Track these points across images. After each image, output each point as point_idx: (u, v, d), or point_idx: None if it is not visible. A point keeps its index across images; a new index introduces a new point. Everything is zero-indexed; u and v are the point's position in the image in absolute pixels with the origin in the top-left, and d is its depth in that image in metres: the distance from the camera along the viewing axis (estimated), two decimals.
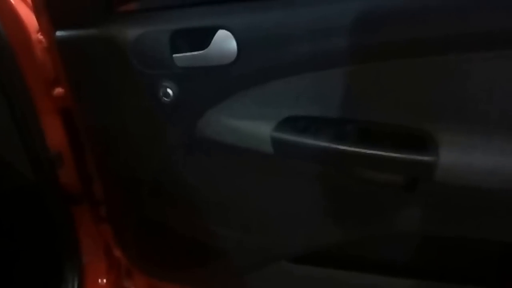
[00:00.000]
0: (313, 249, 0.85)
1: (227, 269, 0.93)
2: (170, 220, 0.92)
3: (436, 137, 0.66)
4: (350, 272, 0.85)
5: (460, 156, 0.66)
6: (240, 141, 0.75)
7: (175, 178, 0.85)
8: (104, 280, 1.10)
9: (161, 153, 0.82)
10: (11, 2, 0.85)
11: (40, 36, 0.86)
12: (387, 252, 0.85)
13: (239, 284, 0.94)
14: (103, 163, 0.90)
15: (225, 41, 0.68)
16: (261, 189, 0.81)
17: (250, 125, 0.74)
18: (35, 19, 0.84)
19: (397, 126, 0.69)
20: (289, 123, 0.73)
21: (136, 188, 0.89)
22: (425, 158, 0.67)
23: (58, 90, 0.91)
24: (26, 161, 0.93)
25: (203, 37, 0.69)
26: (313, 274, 0.88)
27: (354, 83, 0.68)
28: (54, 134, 0.94)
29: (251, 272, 0.91)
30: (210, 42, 0.69)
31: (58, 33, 0.76)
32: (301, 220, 0.82)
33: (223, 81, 0.72)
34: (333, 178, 0.76)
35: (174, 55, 0.71)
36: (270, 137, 0.73)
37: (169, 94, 0.74)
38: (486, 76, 0.63)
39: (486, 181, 0.66)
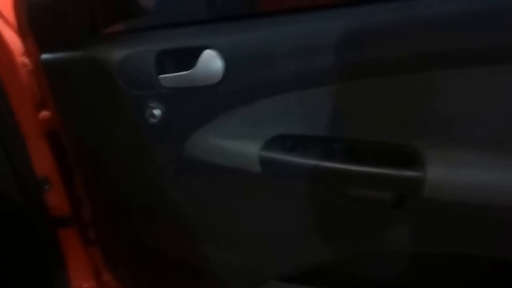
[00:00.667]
0: (303, 268, 0.84)
1: None
2: (160, 242, 0.91)
3: (423, 154, 0.66)
4: None
5: (447, 172, 0.66)
6: (228, 161, 0.75)
7: (164, 200, 0.84)
8: None
9: (149, 174, 0.81)
10: None
11: (25, 59, 0.86)
12: (378, 270, 0.84)
13: None
14: (91, 185, 0.89)
15: (211, 61, 0.68)
16: (250, 209, 0.81)
17: (238, 144, 0.74)
18: (19, 42, 0.84)
19: (384, 143, 0.69)
20: (277, 142, 0.73)
21: (125, 210, 0.88)
22: (413, 174, 0.66)
23: (44, 113, 0.91)
24: (13, 185, 0.93)
25: (189, 58, 0.69)
26: None
27: (340, 101, 0.68)
28: (41, 157, 0.93)
29: None
30: (196, 62, 0.69)
31: (44, 56, 0.76)
32: (291, 239, 0.82)
33: (210, 101, 0.72)
34: (321, 196, 0.75)
35: (160, 76, 0.71)
36: (258, 156, 0.72)
37: (156, 114, 0.73)
38: (472, 92, 0.63)
39: (474, 197, 0.66)
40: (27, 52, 0.85)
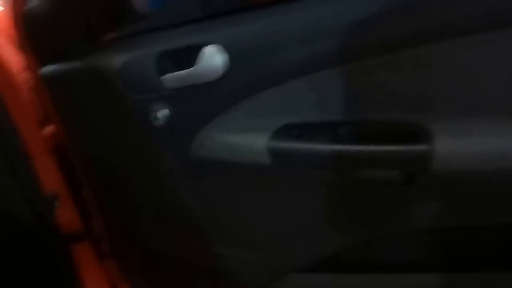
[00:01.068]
0: (321, 257, 0.84)
1: None
2: (175, 248, 0.90)
3: (428, 128, 0.67)
4: (362, 275, 0.84)
5: (454, 143, 0.66)
6: (237, 156, 0.75)
7: (176, 203, 0.84)
8: None
9: (159, 179, 0.81)
10: None
11: (25, 76, 0.86)
12: (397, 250, 0.84)
13: None
14: (102, 196, 0.89)
15: (211, 57, 0.68)
16: (263, 203, 0.80)
17: (245, 138, 0.74)
18: (19, 58, 0.84)
19: (389, 123, 0.69)
20: (284, 132, 0.73)
21: (138, 218, 0.88)
22: (420, 148, 0.67)
23: (48, 129, 0.91)
24: (23, 205, 0.92)
25: (190, 56, 0.69)
26: (324, 282, 0.87)
27: (342, 84, 0.68)
28: (49, 174, 0.93)
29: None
30: (197, 60, 0.69)
31: (44, 69, 0.76)
32: (307, 229, 0.82)
33: (214, 97, 0.72)
34: (333, 182, 0.75)
35: (162, 77, 0.71)
36: (266, 148, 0.73)
37: (161, 117, 0.73)
38: (471, 61, 0.63)
39: (484, 164, 0.66)
40: (27, 68, 0.85)
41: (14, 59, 0.85)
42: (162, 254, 0.91)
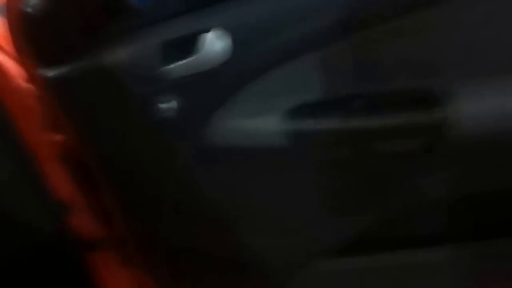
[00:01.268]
0: (348, 238, 0.82)
1: (267, 282, 0.90)
2: (199, 243, 0.88)
3: (441, 92, 0.66)
4: (391, 252, 0.82)
5: (470, 105, 0.66)
6: (251, 140, 0.74)
7: (194, 195, 0.82)
8: None
9: (175, 172, 0.79)
10: None
11: (29, 86, 0.85)
12: (424, 224, 0.82)
13: None
14: (120, 197, 0.87)
15: (215, 42, 0.67)
16: (283, 188, 0.79)
17: (258, 122, 0.72)
18: (20, 70, 0.83)
19: (403, 91, 0.68)
20: (297, 111, 0.71)
21: (159, 216, 0.86)
22: (436, 113, 0.66)
23: (57, 137, 0.90)
24: (37, 214, 0.91)
25: (193, 44, 0.68)
26: (352, 264, 0.85)
27: (350, 57, 0.68)
28: (61, 181, 0.91)
29: (292, 278, 0.88)
30: (200, 46, 0.68)
31: (47, 74, 0.75)
32: (330, 210, 0.80)
33: (222, 83, 0.71)
34: (351, 159, 0.74)
35: (167, 67, 0.70)
36: (280, 129, 0.71)
37: (169, 108, 0.72)
38: (479, 19, 0.62)
39: (501, 125, 0.65)
40: (29, 74, 0.84)
41: (17, 68, 0.84)
42: (187, 250, 0.89)
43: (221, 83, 0.71)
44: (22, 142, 0.86)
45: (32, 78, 0.83)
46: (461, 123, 0.66)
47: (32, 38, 0.75)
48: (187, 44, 0.69)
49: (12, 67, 0.84)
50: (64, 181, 0.92)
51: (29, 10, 0.73)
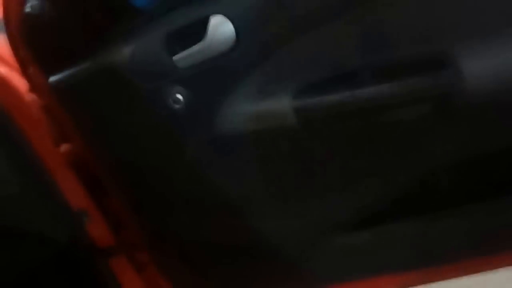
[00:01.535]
0: (363, 211, 0.81)
1: (288, 265, 0.89)
2: (213, 234, 0.88)
3: (449, 53, 0.66)
4: (405, 220, 0.81)
5: (479, 64, 0.66)
6: (262, 123, 0.74)
7: (207, 186, 0.82)
8: None
9: (186, 164, 0.79)
10: None
11: (33, 96, 0.85)
12: (437, 188, 0.82)
13: (301, 274, 0.90)
14: (132, 197, 0.87)
15: (220, 27, 0.67)
16: (294, 167, 0.79)
17: (267, 104, 0.72)
18: (23, 81, 0.84)
19: (411, 56, 0.69)
20: (306, 89, 0.72)
21: (172, 212, 0.86)
22: (446, 74, 0.67)
23: (65, 146, 0.90)
24: (51, 224, 0.91)
25: (197, 31, 0.68)
26: (368, 239, 0.84)
27: (355, 29, 0.68)
28: (73, 189, 0.91)
29: (308, 258, 0.88)
30: (205, 33, 0.68)
31: (51, 79, 0.75)
32: (342, 183, 0.80)
33: (230, 68, 0.71)
34: (363, 129, 0.74)
35: (173, 58, 0.69)
36: (291, 108, 0.71)
37: (179, 99, 0.72)
38: None
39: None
40: (34, 87, 0.84)
41: (21, 80, 0.84)
42: (201, 244, 0.89)
43: (228, 69, 0.71)
44: (31, 154, 0.86)
45: (36, 87, 0.83)
46: (469, 82, 0.66)
47: (33, 43, 0.75)
48: (192, 32, 0.69)
49: (16, 79, 0.84)
50: (76, 189, 0.92)
51: (28, 14, 0.73)
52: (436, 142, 0.74)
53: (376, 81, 0.72)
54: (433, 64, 0.68)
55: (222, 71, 0.71)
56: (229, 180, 0.81)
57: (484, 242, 0.80)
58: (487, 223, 0.80)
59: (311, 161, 0.78)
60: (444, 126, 0.73)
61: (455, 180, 0.80)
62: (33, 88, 0.84)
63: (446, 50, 0.67)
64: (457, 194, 0.80)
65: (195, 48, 0.69)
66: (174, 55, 0.70)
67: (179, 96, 0.72)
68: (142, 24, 0.72)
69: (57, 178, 0.90)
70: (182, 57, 0.70)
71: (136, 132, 0.79)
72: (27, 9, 0.73)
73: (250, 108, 0.73)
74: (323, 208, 0.83)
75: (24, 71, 0.82)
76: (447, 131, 0.73)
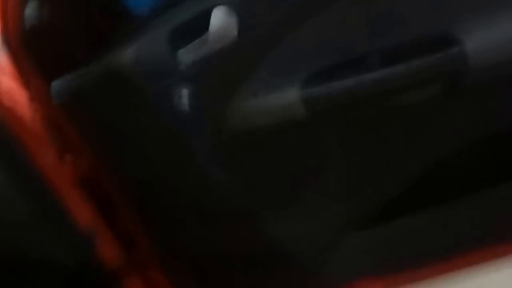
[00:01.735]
0: (378, 206, 0.78)
1: (305, 270, 0.85)
2: (226, 245, 0.84)
3: (455, 30, 0.65)
4: (420, 211, 0.78)
5: (487, 36, 0.65)
6: (271, 117, 0.71)
7: (218, 192, 0.79)
8: None
9: (197, 169, 0.77)
10: None
11: (34, 107, 0.83)
12: (455, 175, 0.79)
13: (319, 278, 0.86)
14: (142, 212, 0.84)
15: (221, 18, 0.66)
16: (308, 165, 0.76)
17: (275, 97, 0.70)
18: (23, 92, 0.81)
19: (417, 37, 0.68)
20: (313, 78, 0.70)
21: (184, 224, 0.83)
22: (454, 50, 0.65)
23: (69, 159, 0.87)
24: (60, 247, 0.87)
25: (201, 24, 0.67)
26: (384, 234, 0.81)
27: (357, 13, 0.67)
28: (80, 208, 0.88)
29: (326, 261, 0.84)
30: (208, 26, 0.66)
31: (55, 87, 0.74)
32: (356, 176, 0.77)
33: (234, 63, 0.69)
34: (374, 116, 0.72)
35: (177, 55, 0.68)
36: (299, 99, 0.69)
37: (186, 98, 0.70)
38: None
39: None
40: (36, 99, 0.82)
41: (22, 95, 0.82)
42: (215, 256, 0.85)
43: (234, 63, 0.69)
44: (35, 172, 0.83)
45: (39, 97, 0.81)
46: (479, 55, 0.64)
47: (34, 50, 0.74)
48: (196, 26, 0.67)
49: (17, 91, 0.82)
50: (83, 207, 0.88)
51: (28, 20, 0.72)
52: (450, 124, 0.72)
53: (384, 64, 0.69)
54: (440, 42, 0.66)
55: (227, 66, 0.69)
56: (241, 183, 0.78)
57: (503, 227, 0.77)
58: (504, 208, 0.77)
59: (324, 155, 0.75)
60: (455, 107, 0.71)
61: (470, 165, 0.78)
62: (35, 99, 0.82)
63: (452, 26, 0.66)
64: (473, 179, 0.78)
65: (199, 41, 0.68)
66: (178, 50, 0.68)
67: (185, 94, 0.70)
68: (144, 23, 0.71)
69: (63, 197, 0.86)
70: (186, 52, 0.68)
71: (145, 137, 0.76)
72: (27, 14, 0.71)
73: (257, 103, 0.71)
74: (337, 207, 0.80)
75: (26, 82, 0.80)
76: (459, 111, 0.71)
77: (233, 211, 0.81)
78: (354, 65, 0.70)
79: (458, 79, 0.68)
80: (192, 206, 0.81)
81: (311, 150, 0.75)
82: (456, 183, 0.78)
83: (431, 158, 0.75)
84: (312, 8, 0.67)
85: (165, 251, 0.90)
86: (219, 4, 0.66)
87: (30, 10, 0.72)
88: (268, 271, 0.86)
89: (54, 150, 0.86)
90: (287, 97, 0.70)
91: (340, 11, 0.67)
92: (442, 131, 0.73)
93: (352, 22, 0.68)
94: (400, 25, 0.68)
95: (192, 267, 0.89)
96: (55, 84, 0.74)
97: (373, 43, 0.69)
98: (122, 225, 0.92)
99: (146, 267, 0.96)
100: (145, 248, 0.93)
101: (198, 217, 0.82)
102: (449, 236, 0.80)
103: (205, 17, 0.67)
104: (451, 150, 0.74)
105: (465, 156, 0.77)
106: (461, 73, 0.66)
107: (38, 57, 0.74)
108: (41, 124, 0.84)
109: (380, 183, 0.77)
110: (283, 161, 0.76)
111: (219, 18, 0.66)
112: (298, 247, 0.83)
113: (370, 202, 0.79)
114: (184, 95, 0.70)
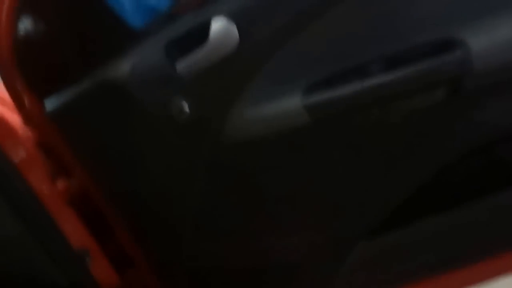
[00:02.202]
0: (386, 213, 0.77)
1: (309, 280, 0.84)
2: (227, 259, 0.83)
3: (457, 34, 0.66)
4: (428, 218, 0.77)
5: (488, 39, 0.65)
6: (273, 126, 0.71)
7: (217, 204, 0.78)
8: None
9: (196, 182, 0.76)
10: None
11: (27, 132, 0.83)
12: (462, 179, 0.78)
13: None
14: (138, 228, 0.83)
15: (221, 30, 0.65)
16: (311, 174, 0.75)
17: (276, 106, 0.70)
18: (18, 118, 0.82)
19: (420, 42, 0.68)
20: (315, 86, 0.69)
21: (181, 239, 0.82)
22: (457, 54, 0.65)
23: (62, 182, 0.87)
24: (53, 267, 0.86)
25: (199, 36, 0.66)
26: (394, 241, 0.80)
27: (358, 18, 0.67)
28: (73, 228, 0.87)
29: (334, 271, 0.82)
30: (207, 37, 0.65)
31: (49, 105, 0.73)
32: (363, 183, 0.76)
33: (234, 72, 0.69)
34: (378, 122, 0.71)
35: (175, 67, 0.67)
36: (301, 106, 0.68)
37: (184, 110, 0.69)
38: None
39: None
40: (28, 120, 0.81)
41: (14, 116, 0.82)
42: (215, 270, 0.85)
43: (233, 73, 0.69)
44: (29, 193, 0.83)
45: (32, 119, 0.81)
46: (481, 58, 0.65)
47: (27, 68, 0.73)
48: (194, 38, 0.67)
49: (10, 116, 0.82)
50: (76, 228, 0.88)
51: (20, 38, 0.71)
52: (454, 128, 0.72)
53: (386, 69, 0.69)
54: (442, 47, 0.67)
55: (226, 76, 0.69)
56: (243, 194, 0.77)
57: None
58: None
59: (328, 162, 0.74)
60: (459, 110, 0.71)
61: (476, 171, 0.77)
62: (28, 121, 0.81)
63: (454, 31, 0.66)
64: (480, 184, 0.77)
65: (198, 52, 0.67)
66: (174, 62, 0.68)
67: (183, 106, 0.69)
68: (140, 36, 0.71)
69: (56, 217, 0.85)
70: (184, 64, 0.68)
71: (141, 151, 0.75)
72: (19, 32, 0.71)
73: (258, 112, 0.70)
74: (346, 215, 0.79)
75: (19, 104, 0.79)
76: (464, 115, 0.71)
77: (231, 224, 0.80)
78: (355, 71, 0.70)
79: (462, 83, 0.68)
80: (191, 217, 0.80)
81: (313, 158, 0.74)
82: (460, 190, 0.77)
83: (433, 166, 0.74)
84: (312, 15, 0.67)
85: (160, 266, 0.89)
86: (216, 16, 0.66)
87: (22, 28, 0.72)
88: (271, 285, 0.86)
89: (47, 171, 0.85)
90: (289, 105, 0.69)
91: (341, 17, 0.67)
92: (447, 136, 0.73)
93: (353, 29, 0.68)
94: (401, 30, 0.68)
95: (189, 282, 0.88)
96: (49, 101, 0.73)
97: (375, 49, 0.69)
98: (117, 245, 0.91)
99: (142, 286, 0.95)
100: (141, 266, 0.92)
101: (197, 229, 0.81)
102: (451, 246, 0.79)
103: (202, 29, 0.66)
104: (456, 155, 0.73)
105: (468, 163, 0.76)
106: (464, 77, 0.66)
107: (31, 75, 0.73)
108: (34, 146, 0.83)
109: (388, 190, 0.76)
110: (284, 169, 0.75)
111: (218, 28, 0.66)
112: (310, 258, 0.81)
113: (379, 209, 0.77)
114: (182, 108, 0.70)
